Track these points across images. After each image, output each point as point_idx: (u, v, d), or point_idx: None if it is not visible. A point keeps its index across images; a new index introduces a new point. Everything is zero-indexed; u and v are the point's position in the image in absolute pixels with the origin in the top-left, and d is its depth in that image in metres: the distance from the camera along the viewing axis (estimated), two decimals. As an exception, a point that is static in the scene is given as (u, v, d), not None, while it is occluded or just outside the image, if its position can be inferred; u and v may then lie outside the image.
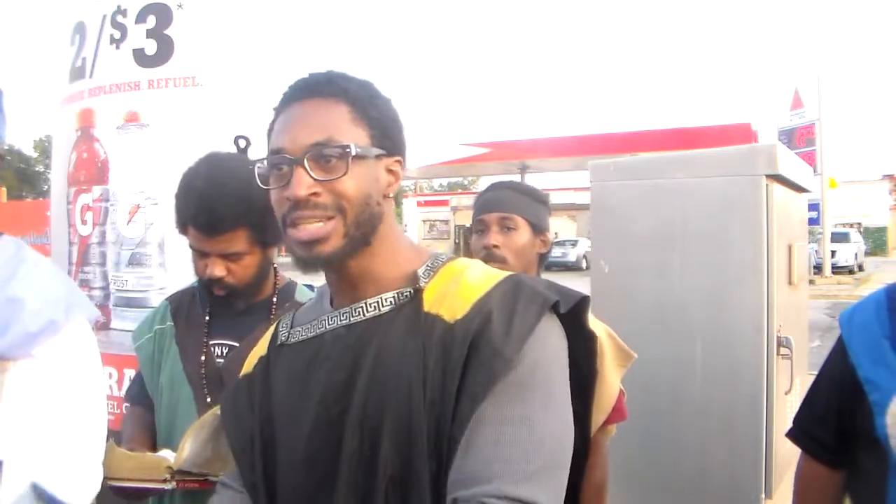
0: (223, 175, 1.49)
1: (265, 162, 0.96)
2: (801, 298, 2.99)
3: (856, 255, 25.25)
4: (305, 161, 0.92)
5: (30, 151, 49.16)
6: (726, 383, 2.50)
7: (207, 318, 1.62)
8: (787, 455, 2.60)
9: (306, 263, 0.95)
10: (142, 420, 1.65)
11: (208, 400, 1.53)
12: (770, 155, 2.48)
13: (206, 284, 1.56)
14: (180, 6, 2.54)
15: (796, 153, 5.34)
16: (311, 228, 0.92)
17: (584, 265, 25.17)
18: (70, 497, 1.10)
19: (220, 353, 1.59)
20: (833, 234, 22.53)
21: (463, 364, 0.87)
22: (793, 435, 1.51)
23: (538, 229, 1.82)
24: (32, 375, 1.06)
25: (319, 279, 1.08)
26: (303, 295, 1.69)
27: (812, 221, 17.15)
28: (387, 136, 0.98)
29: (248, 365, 1.12)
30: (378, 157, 0.96)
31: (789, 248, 2.68)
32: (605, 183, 2.80)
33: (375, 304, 0.97)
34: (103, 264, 2.66)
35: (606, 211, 2.80)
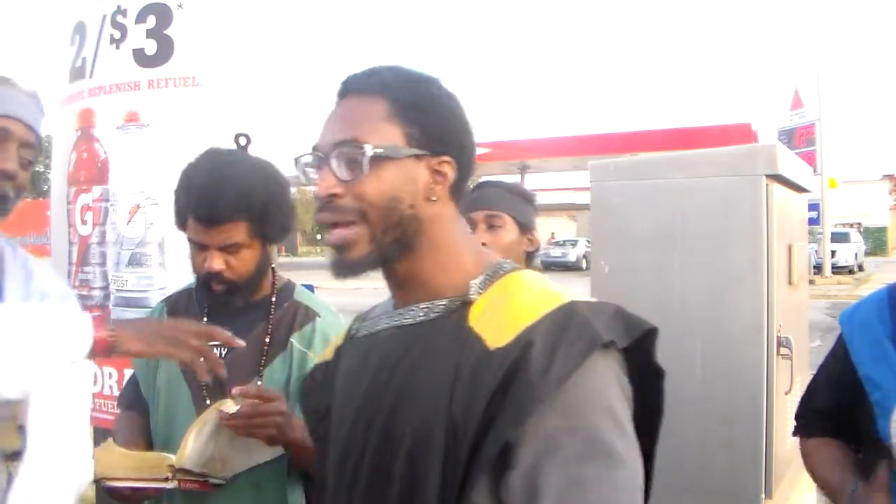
0: (224, 167, 1.50)
1: (303, 158, 0.95)
2: (801, 298, 2.98)
3: (856, 255, 25.27)
4: (332, 160, 0.90)
5: (30, 151, 49.18)
6: (726, 383, 2.49)
7: (205, 318, 1.61)
8: (787, 455, 2.60)
9: (334, 268, 0.93)
10: (136, 424, 1.63)
11: (207, 402, 1.52)
12: (770, 155, 2.48)
13: (205, 279, 1.55)
14: (180, 6, 2.54)
15: (796, 153, 5.33)
16: (337, 233, 0.91)
17: (584, 265, 25.13)
18: (70, 483, 1.13)
19: (218, 354, 1.58)
20: (833, 234, 22.53)
21: (490, 396, 0.82)
22: (795, 431, 1.52)
23: (525, 228, 1.82)
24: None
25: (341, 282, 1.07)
26: (301, 295, 1.68)
27: (812, 221, 17.15)
28: (432, 135, 0.92)
29: (329, 353, 1.13)
30: (417, 157, 0.91)
31: (789, 248, 2.68)
32: (605, 183, 2.80)
33: (426, 310, 0.94)
34: (103, 264, 2.66)
35: (606, 211, 2.79)
